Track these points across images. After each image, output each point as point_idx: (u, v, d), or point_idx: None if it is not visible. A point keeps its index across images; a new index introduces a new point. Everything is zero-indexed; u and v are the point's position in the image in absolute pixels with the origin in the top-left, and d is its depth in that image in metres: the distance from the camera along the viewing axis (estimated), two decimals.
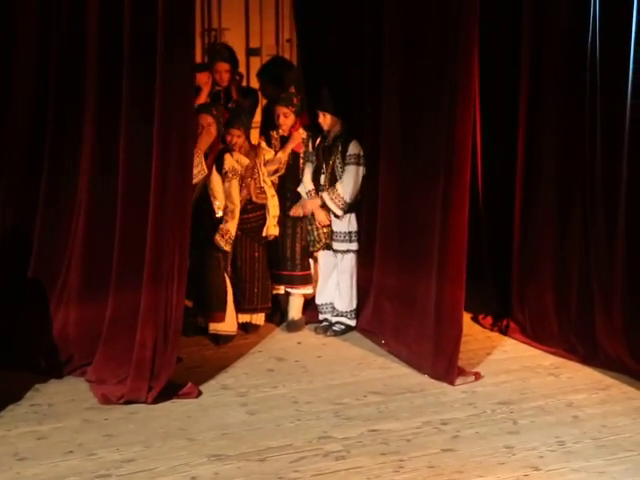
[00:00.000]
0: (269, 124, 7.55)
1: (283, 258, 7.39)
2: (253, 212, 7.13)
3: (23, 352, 6.30)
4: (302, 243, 7.38)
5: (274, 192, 7.22)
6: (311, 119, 7.41)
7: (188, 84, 6.04)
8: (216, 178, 6.90)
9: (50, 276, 6.37)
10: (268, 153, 7.28)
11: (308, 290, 7.49)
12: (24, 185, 6.39)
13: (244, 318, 7.27)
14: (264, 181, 7.14)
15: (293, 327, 7.43)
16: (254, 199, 7.10)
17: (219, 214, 6.92)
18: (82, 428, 5.59)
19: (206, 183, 6.90)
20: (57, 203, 6.37)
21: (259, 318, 7.34)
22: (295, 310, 7.49)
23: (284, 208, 7.34)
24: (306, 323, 7.52)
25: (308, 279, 7.46)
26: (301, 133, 7.37)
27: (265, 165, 7.20)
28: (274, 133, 7.40)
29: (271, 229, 7.20)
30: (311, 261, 7.47)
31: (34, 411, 5.81)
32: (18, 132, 6.36)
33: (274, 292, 7.47)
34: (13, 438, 5.44)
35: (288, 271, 7.39)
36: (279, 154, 7.29)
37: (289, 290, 7.46)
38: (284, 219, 7.35)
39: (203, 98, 7.49)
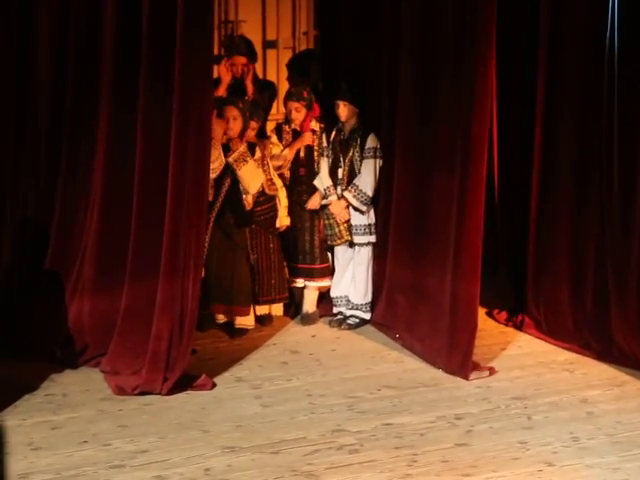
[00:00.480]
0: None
1: (302, 251, 7.39)
2: (265, 204, 7.12)
3: (38, 342, 6.33)
4: (320, 235, 7.38)
5: (282, 184, 7.20)
6: (326, 111, 7.40)
7: (206, 75, 6.04)
8: (250, 171, 6.89)
9: (66, 267, 6.40)
10: (276, 147, 7.26)
11: (326, 283, 7.49)
12: (43, 178, 6.44)
13: (262, 310, 7.27)
14: (273, 173, 7.13)
15: (307, 320, 7.43)
16: (266, 191, 7.08)
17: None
18: (96, 418, 5.61)
19: (235, 177, 6.88)
20: (74, 195, 6.41)
21: (277, 309, 7.35)
22: (309, 303, 7.49)
23: (300, 201, 7.33)
24: (320, 316, 7.52)
25: (327, 272, 7.46)
26: (313, 126, 7.35)
27: (270, 159, 7.19)
28: (286, 127, 7.40)
29: (283, 219, 7.20)
30: (329, 253, 7.47)
31: (49, 401, 5.83)
32: (37, 130, 6.41)
33: (292, 285, 7.47)
34: (28, 428, 5.45)
35: (307, 264, 7.39)
36: (285, 151, 7.27)
37: (307, 283, 7.46)
38: (301, 212, 7.35)
39: (222, 90, 7.49)
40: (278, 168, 7.26)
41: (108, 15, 6.11)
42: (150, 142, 6.03)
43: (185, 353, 6.01)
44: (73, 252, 6.39)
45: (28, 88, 6.37)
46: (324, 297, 7.59)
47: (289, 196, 7.30)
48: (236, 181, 6.92)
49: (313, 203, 7.29)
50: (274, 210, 7.16)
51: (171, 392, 5.92)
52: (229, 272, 6.97)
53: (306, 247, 7.38)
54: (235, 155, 6.83)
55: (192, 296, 6.01)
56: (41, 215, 6.46)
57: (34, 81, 6.37)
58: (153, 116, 6.01)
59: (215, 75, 7.26)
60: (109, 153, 6.23)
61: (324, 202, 7.28)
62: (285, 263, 7.37)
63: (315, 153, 7.36)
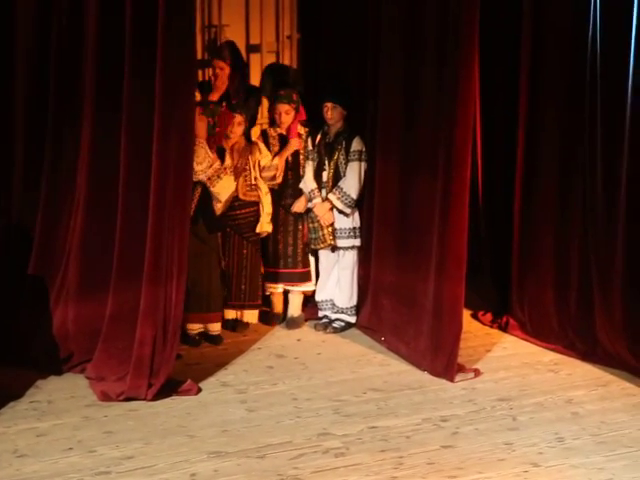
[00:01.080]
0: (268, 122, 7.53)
1: (283, 255, 7.38)
2: (241, 209, 7.10)
3: (23, 349, 6.30)
4: (304, 240, 7.37)
5: (268, 189, 7.18)
6: (311, 115, 7.40)
7: (189, 76, 6.03)
8: (225, 182, 6.90)
9: (49, 273, 6.38)
10: (265, 158, 7.23)
11: (309, 287, 7.49)
12: (25, 184, 6.42)
13: (230, 314, 7.25)
14: (256, 178, 7.11)
15: (292, 324, 7.43)
16: (241, 196, 7.06)
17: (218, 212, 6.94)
18: (82, 425, 5.60)
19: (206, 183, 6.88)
20: (57, 201, 6.38)
21: (250, 316, 7.30)
22: (294, 307, 7.49)
23: (285, 205, 7.33)
24: (306, 320, 7.52)
25: (308, 276, 7.45)
26: (299, 129, 7.35)
27: (262, 171, 7.17)
28: (271, 131, 7.37)
29: (265, 226, 7.15)
30: (310, 258, 7.47)
31: (34, 408, 5.82)
32: (19, 132, 6.37)
33: (271, 291, 7.47)
34: (13, 435, 5.44)
35: (289, 268, 7.38)
36: (275, 160, 7.23)
37: (289, 288, 7.45)
38: (286, 216, 7.35)
39: (216, 95, 7.48)
40: (272, 178, 7.23)
41: (91, 15, 6.08)
42: (134, 144, 6.02)
43: (169, 359, 6.01)
44: (57, 256, 6.36)
45: (9, 89, 6.32)
46: (309, 301, 7.59)
47: (276, 200, 7.31)
48: (206, 186, 6.91)
49: (299, 206, 7.29)
50: (255, 215, 7.12)
51: (156, 398, 5.92)
52: (205, 278, 6.94)
53: (288, 251, 7.37)
54: (210, 172, 6.81)
55: (176, 302, 6.01)
56: (24, 219, 6.43)
57: (16, 82, 6.33)
58: (136, 118, 5.99)
59: (205, 79, 7.29)
60: (93, 155, 6.21)
61: (309, 205, 7.29)
62: (261, 270, 7.33)
63: (301, 157, 7.35)
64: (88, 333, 6.27)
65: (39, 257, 6.40)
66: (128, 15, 5.91)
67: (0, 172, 6.41)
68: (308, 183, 7.28)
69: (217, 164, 6.84)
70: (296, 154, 7.33)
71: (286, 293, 7.51)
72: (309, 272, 7.45)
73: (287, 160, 7.29)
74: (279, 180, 7.27)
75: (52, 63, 6.26)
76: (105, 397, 5.93)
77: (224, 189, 6.88)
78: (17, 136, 6.39)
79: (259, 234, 7.17)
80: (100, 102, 6.14)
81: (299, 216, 7.35)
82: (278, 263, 7.38)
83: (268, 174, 7.19)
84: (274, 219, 7.29)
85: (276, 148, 7.31)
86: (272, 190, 7.26)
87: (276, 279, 7.41)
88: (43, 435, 5.46)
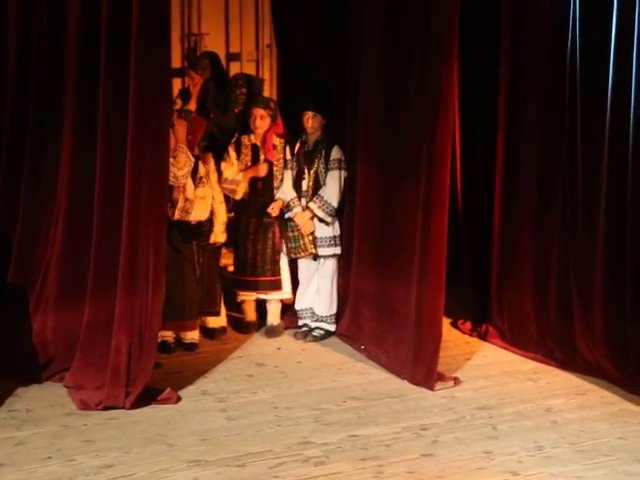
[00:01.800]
0: (241, 130, 7.51)
1: (252, 263, 7.35)
2: None
3: (1, 357, 6.26)
4: (274, 248, 7.36)
5: (222, 198, 7.13)
6: (288, 123, 7.40)
7: (163, 88, 6.02)
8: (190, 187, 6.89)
9: (29, 282, 6.35)
10: (229, 169, 7.21)
11: (284, 295, 7.49)
12: (4, 192, 6.38)
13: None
14: (215, 188, 7.07)
15: (272, 333, 7.43)
16: None
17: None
18: (61, 434, 5.57)
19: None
20: (36, 210, 6.35)
21: (213, 322, 7.27)
22: (274, 316, 7.49)
23: (258, 214, 7.31)
24: (285, 328, 7.52)
25: (278, 284, 7.43)
26: (274, 141, 7.32)
27: (223, 182, 7.15)
28: (245, 139, 7.34)
29: (218, 235, 7.10)
30: (283, 266, 7.43)
31: (12, 417, 5.79)
32: (7, 149, 6.37)
33: (242, 298, 7.46)
34: None
35: (258, 276, 7.36)
36: (239, 176, 7.21)
37: (263, 297, 7.44)
38: (258, 224, 7.32)
39: (192, 106, 7.48)
40: (231, 192, 7.22)
41: (71, 30, 6.10)
42: (109, 156, 6.01)
43: (146, 367, 5.98)
44: (36, 265, 6.34)
45: None
46: (287, 309, 7.59)
47: (244, 209, 7.29)
48: None
49: (274, 209, 7.25)
50: (208, 224, 7.06)
51: (136, 406, 5.90)
52: (180, 287, 6.92)
53: (257, 259, 7.34)
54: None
55: (152, 311, 5.99)
56: (3, 228, 6.40)
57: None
58: (112, 131, 5.98)
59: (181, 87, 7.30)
60: (73, 167, 6.20)
61: (289, 215, 7.28)
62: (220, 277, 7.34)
63: (274, 167, 7.32)
64: (67, 341, 6.25)
65: (18, 266, 6.37)
66: (103, 27, 5.90)
67: None
68: (287, 192, 7.27)
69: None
70: (269, 165, 7.31)
71: (263, 302, 7.50)
72: (279, 280, 7.42)
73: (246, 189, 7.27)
74: (238, 196, 7.27)
75: (32, 75, 6.25)
76: (84, 406, 5.91)
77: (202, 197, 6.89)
78: None
79: (214, 243, 7.13)
80: (80, 115, 6.15)
81: (268, 224, 7.33)
82: (247, 271, 7.37)
83: (228, 187, 7.18)
84: (243, 227, 7.29)
85: (247, 158, 7.29)
86: (241, 200, 7.26)
87: (246, 287, 7.41)
88: (22, 444, 5.43)
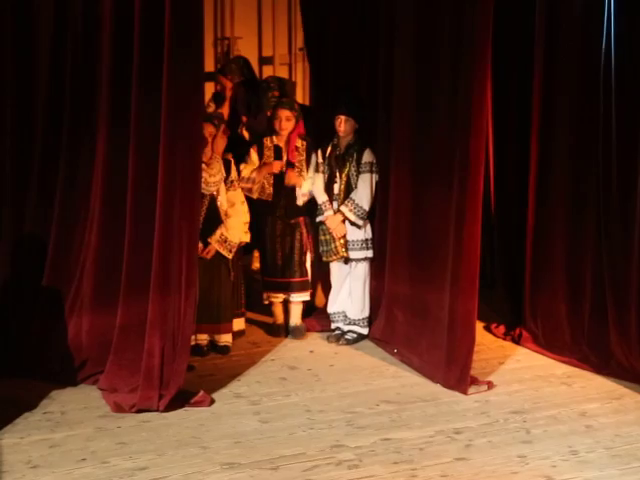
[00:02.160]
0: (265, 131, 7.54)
1: (281, 265, 7.39)
2: None
3: (37, 360, 6.32)
4: (302, 249, 7.37)
5: (244, 199, 7.13)
6: (319, 127, 7.40)
7: (195, 92, 6.03)
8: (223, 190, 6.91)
9: (64, 284, 6.40)
10: (247, 168, 7.24)
11: (307, 297, 7.50)
12: (41, 197, 6.44)
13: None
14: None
15: (297, 333, 7.45)
16: None
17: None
18: (95, 436, 5.60)
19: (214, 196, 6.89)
20: (71, 215, 6.40)
21: (236, 324, 7.25)
22: (296, 316, 7.51)
23: (282, 215, 7.32)
24: (318, 331, 7.52)
25: (307, 285, 7.47)
26: (297, 142, 7.32)
27: (240, 181, 7.16)
28: (267, 141, 7.37)
29: (242, 236, 7.11)
30: (308, 267, 7.46)
31: (47, 419, 5.82)
32: (34, 147, 6.41)
33: (270, 300, 7.49)
34: (26, 446, 5.44)
35: (286, 278, 7.39)
36: (253, 174, 7.24)
37: (291, 298, 7.47)
38: (282, 226, 7.35)
39: (226, 109, 7.51)
40: (249, 191, 7.24)
41: (104, 39, 6.15)
42: (142, 161, 6.03)
43: (179, 369, 6.00)
44: (71, 269, 6.39)
45: (27, 106, 6.38)
46: (313, 310, 7.63)
47: (271, 211, 7.31)
48: (214, 199, 6.91)
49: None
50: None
51: (169, 409, 5.91)
52: (215, 290, 6.95)
53: (286, 260, 7.37)
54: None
55: (185, 313, 6.01)
56: (39, 232, 6.45)
57: (33, 99, 6.39)
58: (144, 136, 6.00)
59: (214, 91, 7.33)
60: (107, 171, 6.24)
61: (320, 218, 7.29)
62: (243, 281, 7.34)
63: (296, 169, 7.31)
64: (102, 344, 6.28)
65: (53, 269, 6.42)
66: (136, 34, 5.93)
67: (16, 186, 6.43)
68: (319, 196, 7.28)
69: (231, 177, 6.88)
70: (292, 166, 7.31)
71: (286, 302, 7.53)
72: (308, 281, 7.47)
73: (282, 171, 7.28)
74: (254, 195, 7.27)
75: (67, 79, 6.31)
76: (118, 408, 5.93)
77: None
78: (32, 151, 6.41)
79: (238, 244, 7.12)
80: (114, 119, 6.18)
81: (295, 225, 7.34)
82: (277, 273, 7.40)
83: (245, 185, 7.20)
84: (270, 230, 7.32)
85: (270, 159, 7.31)
86: (265, 202, 7.29)
87: (275, 288, 7.44)
88: (56, 446, 5.46)
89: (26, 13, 6.29)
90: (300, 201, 7.34)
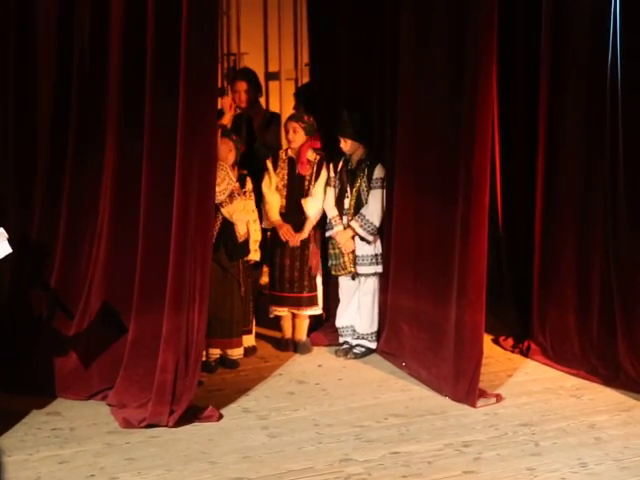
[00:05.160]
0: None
1: (290, 280, 7.39)
2: None
3: (44, 376, 6.32)
4: (311, 263, 7.38)
5: (256, 217, 7.16)
6: (332, 141, 7.42)
7: (210, 104, 6.06)
8: (237, 204, 6.91)
9: (71, 300, 6.38)
10: (269, 189, 7.29)
11: (316, 311, 7.51)
12: (45, 212, 6.41)
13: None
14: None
15: (303, 349, 7.46)
16: None
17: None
18: (104, 452, 5.60)
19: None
20: (78, 228, 6.38)
21: (247, 340, 7.28)
22: (302, 331, 7.52)
23: (296, 231, 7.33)
24: (326, 345, 7.53)
25: (314, 300, 7.47)
26: (309, 156, 7.34)
27: (265, 222, 7.28)
28: (282, 153, 7.40)
29: (252, 254, 7.13)
30: (319, 282, 7.48)
31: (56, 435, 5.83)
32: (40, 161, 6.38)
33: (276, 314, 7.49)
34: (35, 462, 5.45)
35: (294, 293, 7.39)
36: (275, 220, 7.27)
37: (295, 312, 7.47)
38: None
39: (226, 121, 7.52)
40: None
41: (114, 38, 6.14)
42: (155, 177, 6.04)
43: (191, 385, 6.01)
44: (79, 284, 6.37)
45: (32, 118, 6.33)
46: (319, 324, 7.63)
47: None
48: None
49: (348, 244, 7.22)
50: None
51: (178, 424, 5.92)
52: (227, 305, 6.97)
53: (295, 276, 7.38)
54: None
55: (198, 328, 6.02)
56: (44, 249, 6.41)
57: (39, 107, 6.34)
58: (158, 145, 6.00)
59: (219, 107, 7.32)
60: (116, 187, 6.23)
61: (329, 233, 7.30)
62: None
63: (305, 182, 7.32)
64: (110, 360, 6.29)
65: (60, 284, 6.40)
66: (149, 36, 5.94)
67: (20, 202, 6.40)
68: (329, 210, 7.29)
69: (234, 186, 6.88)
70: (301, 180, 7.33)
71: (293, 316, 7.55)
72: (316, 296, 7.47)
73: (294, 186, 7.30)
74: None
75: (74, 86, 6.26)
76: (127, 424, 5.93)
77: (236, 211, 6.90)
78: (35, 163, 6.39)
79: (248, 261, 7.15)
80: (123, 130, 6.18)
81: (305, 240, 7.34)
82: (284, 287, 7.41)
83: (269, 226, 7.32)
84: (279, 244, 7.33)
85: (284, 171, 7.33)
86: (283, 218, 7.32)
87: (282, 303, 7.44)
88: (65, 462, 5.46)
89: (30, 13, 6.24)
90: (314, 220, 7.33)
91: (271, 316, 7.52)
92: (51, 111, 6.34)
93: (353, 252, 7.24)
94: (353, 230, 7.20)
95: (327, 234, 7.33)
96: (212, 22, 5.98)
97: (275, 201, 7.32)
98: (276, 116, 8.57)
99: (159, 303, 6.01)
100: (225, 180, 6.80)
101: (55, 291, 6.38)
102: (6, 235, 5.16)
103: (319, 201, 7.32)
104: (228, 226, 6.89)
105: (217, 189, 6.70)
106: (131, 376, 6.18)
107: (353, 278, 7.33)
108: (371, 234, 7.20)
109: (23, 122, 6.32)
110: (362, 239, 7.22)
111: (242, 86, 7.86)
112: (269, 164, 7.37)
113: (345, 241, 7.21)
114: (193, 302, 6.00)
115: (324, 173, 7.34)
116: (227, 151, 6.85)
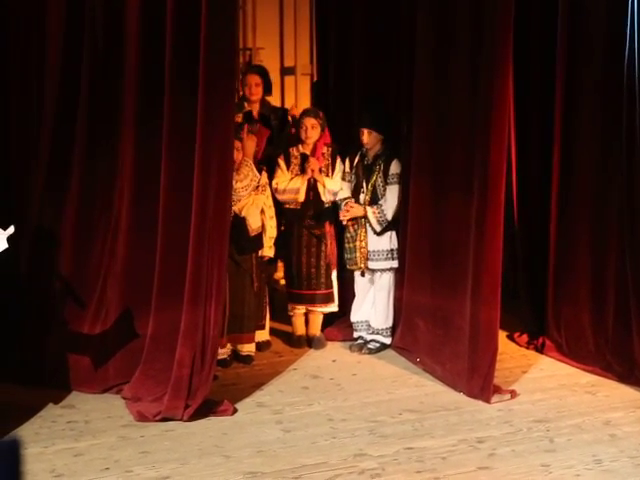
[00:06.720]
0: (291, 141, 7.57)
1: (307, 277, 7.41)
2: None
3: (57, 369, 6.34)
4: (327, 260, 7.39)
5: (273, 213, 7.16)
6: (346, 136, 7.42)
7: (228, 99, 6.05)
8: (245, 200, 6.92)
9: (85, 294, 6.39)
10: (281, 179, 7.28)
11: (332, 308, 7.52)
12: (57, 207, 6.44)
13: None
14: (266, 203, 7.11)
15: (317, 344, 7.48)
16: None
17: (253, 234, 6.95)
18: (118, 445, 5.62)
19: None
20: (91, 223, 6.41)
21: (260, 335, 7.30)
22: (316, 327, 7.54)
23: (308, 226, 7.34)
24: (341, 341, 7.53)
25: (331, 297, 7.48)
26: (323, 150, 7.36)
27: (281, 195, 7.25)
28: (294, 150, 7.41)
29: (266, 250, 7.13)
30: (334, 279, 7.48)
31: (71, 428, 5.85)
32: (52, 155, 6.41)
33: (294, 312, 7.49)
34: (50, 455, 5.47)
35: (311, 290, 7.41)
36: (297, 182, 7.26)
37: (311, 309, 7.48)
38: (308, 237, 7.37)
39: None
40: (294, 200, 7.30)
41: (131, 36, 6.17)
42: (174, 173, 6.05)
43: (207, 380, 6.02)
44: (92, 279, 6.39)
45: (46, 110, 6.37)
46: (333, 320, 7.62)
47: (298, 222, 7.33)
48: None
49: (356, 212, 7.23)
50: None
51: (192, 418, 5.93)
52: (240, 300, 6.98)
53: (312, 272, 7.40)
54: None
55: (214, 323, 6.03)
56: (55, 243, 6.43)
57: (45, 99, 6.37)
58: (176, 147, 6.02)
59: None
60: (135, 181, 6.26)
61: (340, 197, 7.30)
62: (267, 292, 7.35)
63: (322, 175, 7.35)
64: (125, 354, 6.31)
65: (73, 279, 6.42)
66: (168, 32, 5.94)
67: (28, 201, 6.43)
68: (342, 194, 7.29)
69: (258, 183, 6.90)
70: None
71: (306, 313, 7.56)
72: (332, 293, 7.48)
73: (308, 181, 7.31)
74: (300, 199, 7.31)
75: (84, 79, 6.28)
76: (141, 417, 5.95)
77: (245, 206, 6.91)
78: (40, 164, 6.42)
79: (262, 257, 7.15)
80: (141, 125, 6.20)
81: (320, 237, 7.35)
82: (301, 285, 7.42)
83: (289, 197, 7.26)
84: (295, 241, 7.33)
85: (297, 168, 7.36)
86: (293, 210, 7.29)
87: (299, 300, 7.46)
88: (80, 455, 5.48)
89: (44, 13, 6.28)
90: (325, 197, 7.33)
91: (290, 314, 7.54)
92: (60, 110, 6.37)
93: (366, 247, 7.23)
94: (366, 213, 7.18)
95: (338, 198, 7.32)
96: (231, 17, 5.98)
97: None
98: (282, 110, 8.55)
99: (177, 298, 6.02)
100: (248, 176, 6.81)
101: (67, 284, 6.39)
102: (9, 232, 5.15)
103: (337, 185, 7.34)
104: (239, 220, 6.89)
105: (240, 185, 6.72)
106: (148, 370, 6.20)
107: (362, 275, 7.32)
108: (380, 225, 7.18)
109: (39, 120, 6.37)
110: (370, 227, 7.19)
111: (255, 79, 7.86)
112: (281, 161, 7.36)
113: (353, 210, 7.19)
114: (210, 297, 6.01)
115: (339, 165, 7.35)
116: (253, 147, 6.86)
